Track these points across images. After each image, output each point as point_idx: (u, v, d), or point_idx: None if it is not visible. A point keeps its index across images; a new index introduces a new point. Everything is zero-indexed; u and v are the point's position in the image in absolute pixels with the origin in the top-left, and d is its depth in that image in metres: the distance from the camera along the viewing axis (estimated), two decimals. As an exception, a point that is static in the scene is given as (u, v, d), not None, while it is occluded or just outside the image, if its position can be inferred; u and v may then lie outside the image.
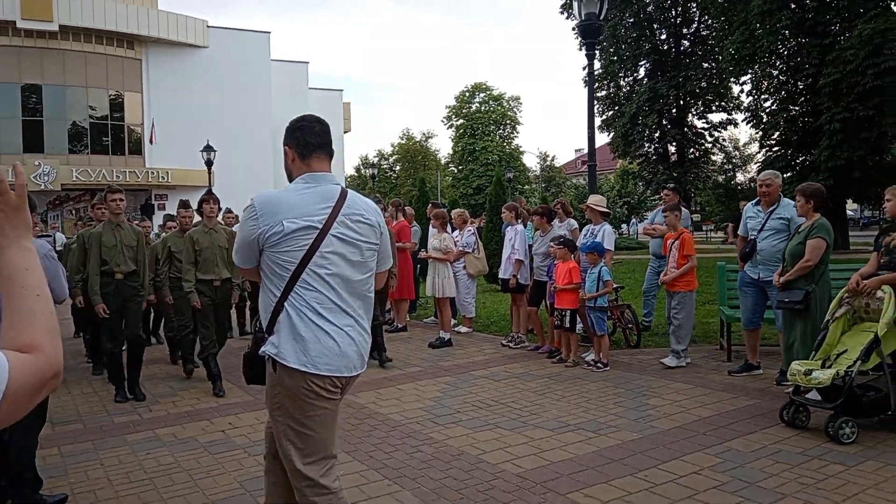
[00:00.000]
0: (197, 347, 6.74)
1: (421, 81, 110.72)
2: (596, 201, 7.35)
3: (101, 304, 5.73)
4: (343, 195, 2.52)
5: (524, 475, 3.93)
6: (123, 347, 6.00)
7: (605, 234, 7.05)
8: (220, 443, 4.69)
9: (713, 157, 33.00)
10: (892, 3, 20.53)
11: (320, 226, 2.41)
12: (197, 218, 6.73)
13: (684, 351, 6.61)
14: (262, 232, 2.40)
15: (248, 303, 9.09)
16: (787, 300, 5.33)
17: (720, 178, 33.11)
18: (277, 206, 2.42)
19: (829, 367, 4.59)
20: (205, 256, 6.21)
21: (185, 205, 6.93)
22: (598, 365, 6.60)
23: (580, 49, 27.74)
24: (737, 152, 43.88)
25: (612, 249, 7.21)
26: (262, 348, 2.43)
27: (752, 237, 5.99)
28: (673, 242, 6.70)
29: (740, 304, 6.30)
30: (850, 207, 33.82)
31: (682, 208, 7.79)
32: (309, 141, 2.55)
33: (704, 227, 36.34)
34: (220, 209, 6.60)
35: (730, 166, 39.65)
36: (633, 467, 4.01)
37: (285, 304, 2.40)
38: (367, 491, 3.74)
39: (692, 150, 30.10)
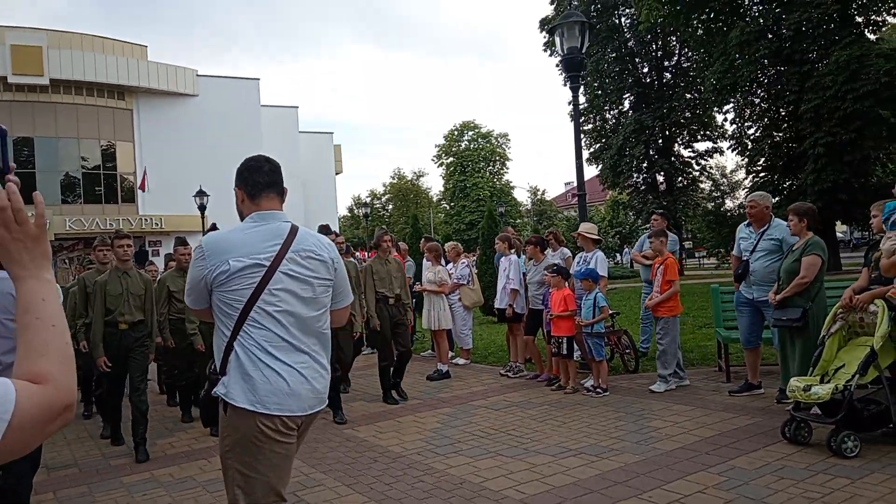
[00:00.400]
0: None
1: (410, 121, 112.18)
2: (587, 229, 7.41)
3: (103, 358, 5.36)
4: (293, 232, 2.49)
5: (527, 501, 3.88)
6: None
7: (598, 261, 7.10)
8: (217, 481, 4.58)
9: (701, 185, 33.40)
10: (866, 30, 21.13)
11: (268, 263, 2.38)
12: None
13: (671, 375, 6.59)
14: (209, 272, 2.39)
15: None
16: (784, 318, 5.36)
17: (710, 206, 33.42)
18: (224, 246, 2.41)
19: (828, 382, 4.60)
20: None
21: (182, 242, 6.63)
22: (598, 390, 6.57)
23: (565, 84, 28.24)
24: (724, 179, 44.44)
25: (606, 276, 7.25)
26: (214, 389, 2.38)
27: (745, 258, 6.05)
28: (658, 268, 6.75)
29: (738, 325, 6.32)
30: (840, 230, 34.15)
31: (670, 233, 7.88)
32: (258, 181, 2.55)
33: (697, 254, 36.55)
34: None
35: (718, 193, 40.07)
36: (637, 489, 3.97)
37: (234, 343, 2.36)
38: (369, 522, 3.70)
39: (680, 178, 30.48)
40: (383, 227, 7.27)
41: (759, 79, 22.66)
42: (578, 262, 7.30)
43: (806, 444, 4.60)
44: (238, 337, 2.36)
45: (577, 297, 6.93)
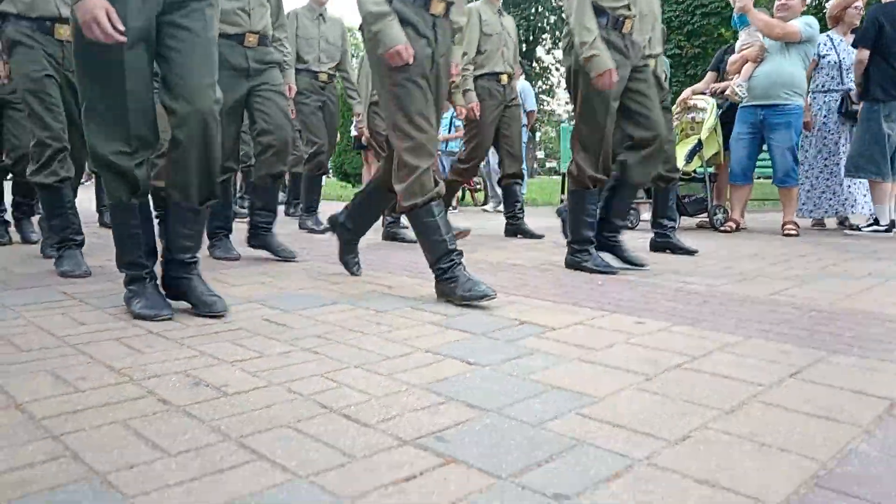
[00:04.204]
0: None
1: None
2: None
3: None
4: None
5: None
6: None
7: (458, 81, 7.07)
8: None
9: (558, 94, 34.55)
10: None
11: None
12: None
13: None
14: None
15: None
16: None
17: (564, 117, 34.69)
18: None
19: (658, 172, 4.94)
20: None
21: None
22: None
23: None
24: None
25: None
26: None
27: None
28: None
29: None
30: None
31: (523, 82, 8.08)
32: None
33: (548, 164, 38.22)
34: None
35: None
36: (484, 246, 4.10)
37: None
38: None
39: (539, 82, 31.26)
40: None
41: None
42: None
43: (633, 229, 4.96)
44: None
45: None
